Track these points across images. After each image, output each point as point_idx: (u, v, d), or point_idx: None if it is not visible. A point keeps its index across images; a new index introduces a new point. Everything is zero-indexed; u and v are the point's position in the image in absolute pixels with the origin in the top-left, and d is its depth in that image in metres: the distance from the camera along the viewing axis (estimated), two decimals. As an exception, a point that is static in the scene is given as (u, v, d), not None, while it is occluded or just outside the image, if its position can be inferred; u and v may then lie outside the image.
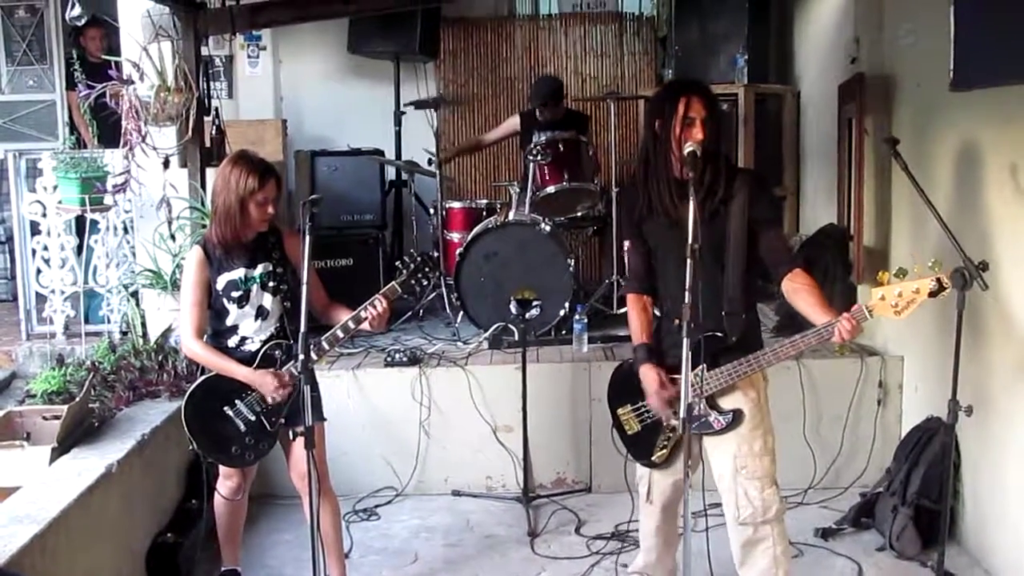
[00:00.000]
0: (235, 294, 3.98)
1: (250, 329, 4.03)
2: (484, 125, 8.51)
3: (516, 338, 5.71)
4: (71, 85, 7.92)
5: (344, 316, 3.91)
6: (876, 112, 5.60)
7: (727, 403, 3.63)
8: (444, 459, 5.65)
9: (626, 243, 3.88)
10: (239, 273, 3.98)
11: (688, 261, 3.16)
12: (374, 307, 3.82)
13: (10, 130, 8.95)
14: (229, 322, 4.01)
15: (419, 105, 7.20)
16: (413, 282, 3.93)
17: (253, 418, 3.99)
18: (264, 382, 3.93)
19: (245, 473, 4.25)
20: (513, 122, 7.39)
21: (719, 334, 3.57)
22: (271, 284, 4.03)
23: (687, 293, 3.14)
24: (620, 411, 3.91)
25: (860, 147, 5.75)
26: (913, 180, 4.11)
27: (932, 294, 3.31)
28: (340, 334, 3.87)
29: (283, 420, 3.98)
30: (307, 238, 3.53)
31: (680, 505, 3.68)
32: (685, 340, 3.16)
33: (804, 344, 3.48)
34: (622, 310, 6.39)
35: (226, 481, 4.24)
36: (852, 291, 5.78)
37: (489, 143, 7.76)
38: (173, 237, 5.67)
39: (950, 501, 4.47)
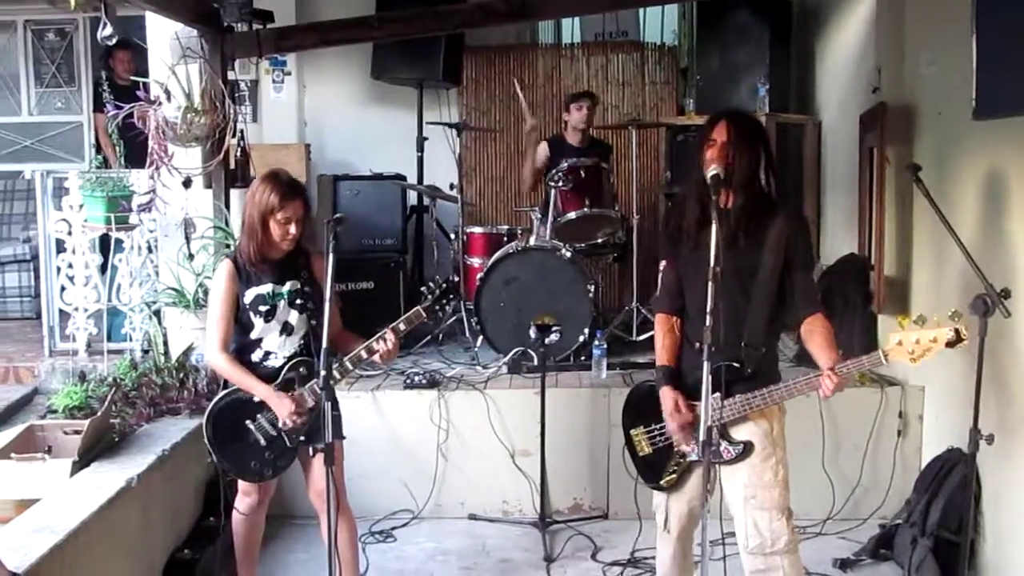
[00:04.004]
0: (262, 308, 4.01)
1: (274, 344, 4.05)
2: (506, 152, 8.56)
3: (535, 363, 5.73)
4: (98, 107, 8.02)
5: (354, 345, 3.94)
6: (898, 141, 5.60)
7: (739, 434, 3.63)
8: (461, 482, 5.65)
9: (662, 263, 3.89)
10: (267, 288, 4.01)
11: (709, 284, 3.18)
12: (384, 342, 3.86)
13: (37, 151, 9.06)
14: (254, 335, 4.04)
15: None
16: (437, 308, 3.96)
17: (274, 433, 4.01)
18: (281, 405, 3.94)
19: (263, 490, 4.26)
20: (543, 149, 7.42)
21: (735, 364, 3.57)
22: (298, 302, 4.06)
23: (707, 316, 3.16)
24: (633, 432, 3.92)
25: (881, 176, 5.75)
26: (935, 206, 4.11)
27: (949, 344, 3.29)
28: (353, 363, 3.91)
29: (303, 437, 4.00)
30: (330, 256, 3.57)
31: (696, 533, 3.69)
32: (705, 364, 3.18)
33: (797, 390, 3.51)
34: (642, 337, 6.45)
35: (244, 498, 4.25)
36: (872, 321, 5.78)
37: (538, 176, 7.75)
38: (191, 257, 5.71)
39: (970, 533, 4.44)
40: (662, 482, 3.82)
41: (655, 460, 3.84)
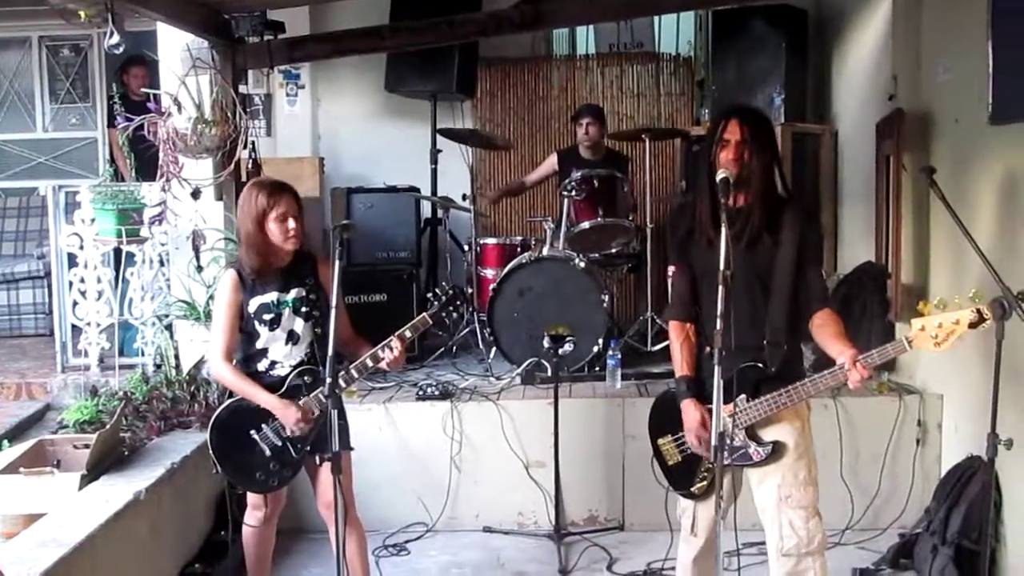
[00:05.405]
0: (267, 317, 3.98)
1: (280, 353, 4.02)
2: (520, 164, 8.52)
3: (549, 373, 5.68)
4: (112, 123, 8.04)
5: (365, 352, 3.90)
6: (914, 148, 5.55)
7: (769, 434, 3.58)
8: (475, 495, 5.60)
9: (671, 268, 3.84)
10: (272, 296, 3.99)
11: (720, 288, 3.13)
12: (390, 349, 3.81)
13: (53, 167, 9.09)
14: (259, 345, 4.01)
15: (452, 136, 7.21)
16: (444, 314, 3.92)
17: (279, 443, 3.98)
18: (287, 414, 3.91)
19: (272, 502, 4.22)
20: (551, 161, 7.41)
21: (759, 364, 3.53)
22: (303, 309, 4.03)
23: (718, 320, 3.12)
24: (661, 441, 3.86)
25: (898, 184, 5.69)
26: (949, 208, 4.06)
27: (972, 325, 3.25)
28: (359, 371, 3.86)
29: (308, 447, 3.96)
30: (337, 262, 3.53)
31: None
32: (716, 368, 3.13)
33: (823, 385, 3.46)
34: (657, 347, 6.40)
35: (254, 511, 4.21)
36: (890, 329, 5.71)
37: (531, 184, 7.73)
38: (200, 269, 5.69)
39: (991, 542, 4.37)
40: (694, 489, 3.76)
41: (686, 468, 3.79)
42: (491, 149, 7.75)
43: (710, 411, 3.46)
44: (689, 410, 3.63)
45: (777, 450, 3.55)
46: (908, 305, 5.58)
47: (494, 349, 6.29)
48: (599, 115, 7.17)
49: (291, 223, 3.91)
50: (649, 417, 3.97)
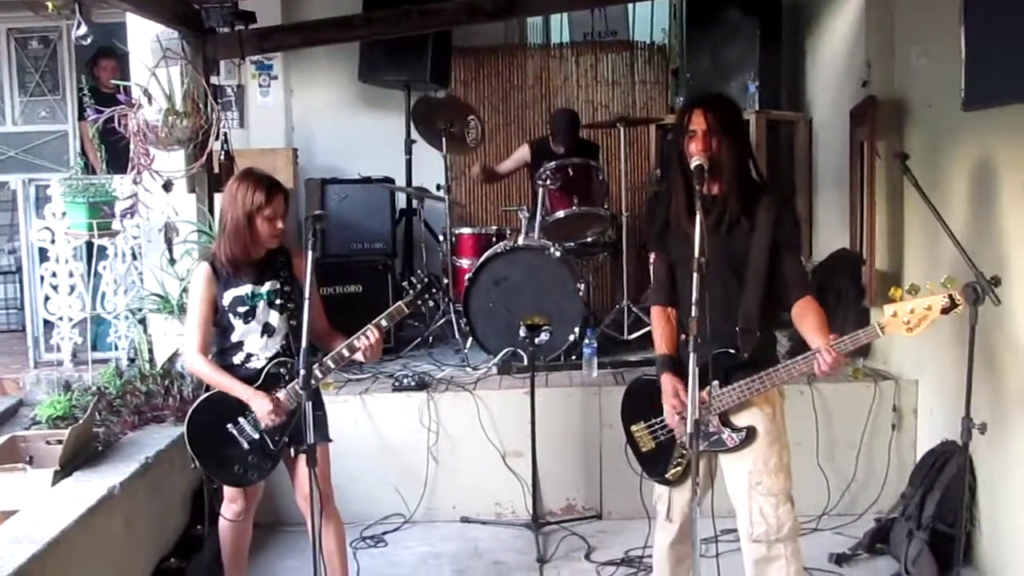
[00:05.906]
0: (241, 309, 3.95)
1: (256, 346, 3.99)
2: (495, 153, 8.47)
3: (525, 363, 5.67)
4: (82, 115, 7.96)
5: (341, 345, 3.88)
6: (888, 134, 5.57)
7: (741, 420, 3.58)
8: (452, 485, 5.59)
9: (652, 255, 3.85)
10: (246, 289, 3.95)
11: (694, 275, 3.13)
12: (367, 338, 3.79)
13: (22, 161, 8.99)
14: (235, 338, 3.98)
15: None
16: (420, 303, 3.89)
17: (256, 436, 3.94)
18: (260, 405, 3.88)
19: (249, 496, 4.18)
20: (524, 152, 7.36)
21: (731, 351, 3.52)
22: (278, 302, 4.00)
23: (693, 307, 3.11)
24: (634, 428, 3.86)
25: (872, 170, 5.71)
26: (922, 192, 4.08)
27: (944, 311, 3.26)
28: (335, 361, 3.83)
29: (287, 439, 3.93)
30: (310, 253, 3.51)
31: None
32: (691, 355, 3.12)
33: (796, 371, 3.46)
34: (633, 335, 6.39)
35: (230, 504, 4.17)
36: (865, 315, 5.72)
37: (504, 173, 7.68)
38: (172, 262, 5.65)
39: (966, 525, 4.39)
40: (668, 475, 3.76)
41: (659, 454, 3.79)
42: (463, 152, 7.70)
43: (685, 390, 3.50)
44: (665, 381, 3.64)
45: (750, 435, 3.56)
46: (883, 291, 5.57)
47: (470, 339, 6.27)
48: (574, 128, 7.10)
49: (279, 223, 3.91)
50: (622, 404, 3.97)
